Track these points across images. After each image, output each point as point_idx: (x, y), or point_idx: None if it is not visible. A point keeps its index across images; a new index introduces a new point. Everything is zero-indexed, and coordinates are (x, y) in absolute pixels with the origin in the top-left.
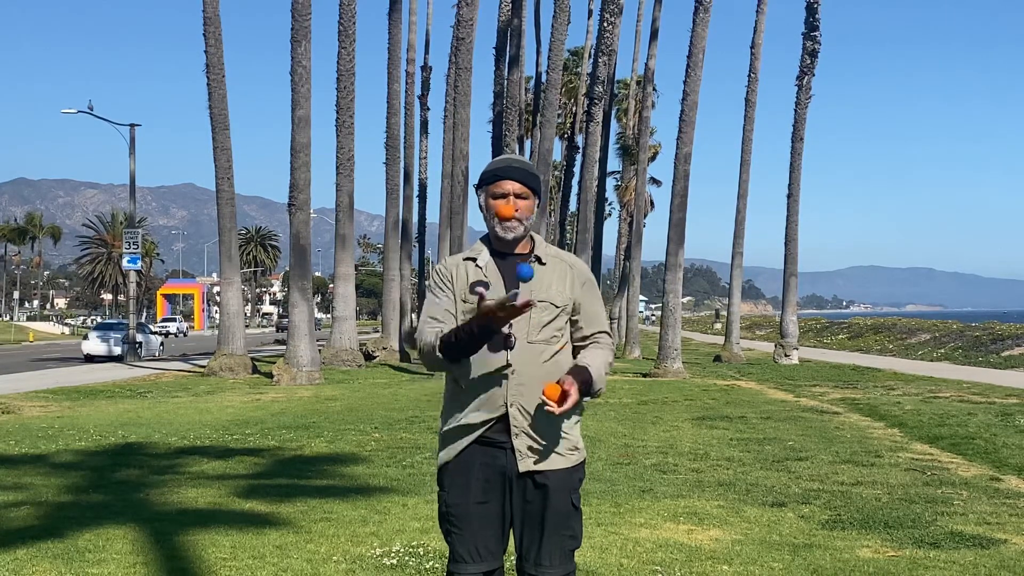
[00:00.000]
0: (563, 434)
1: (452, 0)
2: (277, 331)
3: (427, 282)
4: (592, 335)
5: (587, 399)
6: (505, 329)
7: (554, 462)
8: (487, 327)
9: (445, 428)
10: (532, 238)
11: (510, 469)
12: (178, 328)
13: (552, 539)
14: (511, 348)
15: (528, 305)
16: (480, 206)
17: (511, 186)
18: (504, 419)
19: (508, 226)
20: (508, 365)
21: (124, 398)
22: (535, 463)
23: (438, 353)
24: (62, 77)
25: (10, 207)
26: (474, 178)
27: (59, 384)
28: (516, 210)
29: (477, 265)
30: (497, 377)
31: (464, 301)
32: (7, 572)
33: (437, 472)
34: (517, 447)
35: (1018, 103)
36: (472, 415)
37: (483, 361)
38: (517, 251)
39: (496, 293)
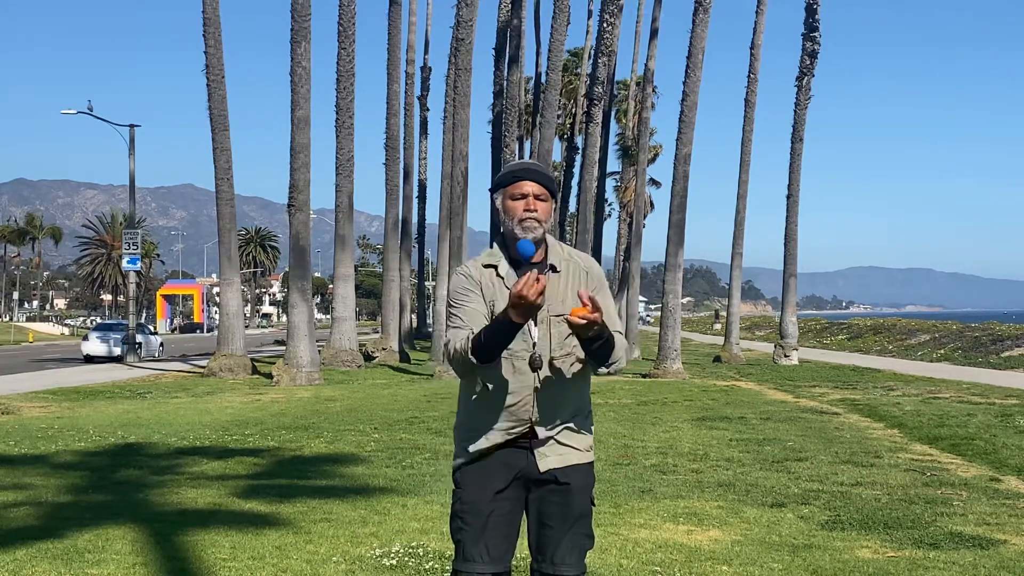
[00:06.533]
0: (581, 432)
1: (452, 0)
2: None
3: (448, 287)
4: None
5: (603, 370)
6: (531, 350)
7: (572, 458)
8: (510, 321)
9: (466, 436)
10: (547, 243)
11: (530, 470)
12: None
13: (571, 538)
14: (538, 368)
15: (540, 277)
16: (497, 209)
17: (530, 187)
18: (527, 431)
19: (528, 226)
20: (536, 384)
21: (124, 398)
22: (554, 462)
23: (470, 356)
24: (62, 77)
25: (10, 207)
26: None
27: (59, 384)
28: (535, 210)
29: (498, 274)
30: (524, 397)
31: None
32: (7, 572)
33: (453, 471)
34: (537, 449)
35: (1018, 103)
36: (494, 434)
37: (512, 381)
38: (533, 259)
39: None
